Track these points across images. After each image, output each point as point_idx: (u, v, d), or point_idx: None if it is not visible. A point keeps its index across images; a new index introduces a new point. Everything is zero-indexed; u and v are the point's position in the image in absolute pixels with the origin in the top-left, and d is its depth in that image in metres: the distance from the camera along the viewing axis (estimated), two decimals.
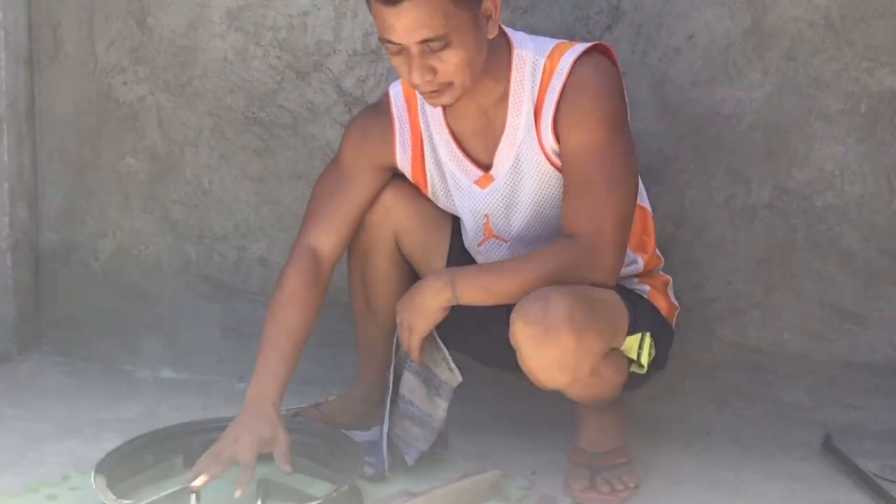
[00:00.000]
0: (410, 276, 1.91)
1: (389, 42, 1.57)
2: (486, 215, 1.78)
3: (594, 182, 1.64)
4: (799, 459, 1.93)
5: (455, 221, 1.88)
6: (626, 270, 1.79)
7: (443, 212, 1.87)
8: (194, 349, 2.36)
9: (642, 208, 1.81)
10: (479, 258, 1.85)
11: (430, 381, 1.79)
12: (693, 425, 2.06)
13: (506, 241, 1.79)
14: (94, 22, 2.31)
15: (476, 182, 1.76)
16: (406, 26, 1.54)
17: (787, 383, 2.08)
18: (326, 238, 1.81)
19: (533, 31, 2.03)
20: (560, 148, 1.68)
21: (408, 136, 1.79)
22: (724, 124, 2.04)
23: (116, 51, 2.31)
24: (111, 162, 2.36)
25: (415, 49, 1.56)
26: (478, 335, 1.79)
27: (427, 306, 1.69)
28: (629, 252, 1.78)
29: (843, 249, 2.03)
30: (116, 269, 2.39)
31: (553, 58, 1.67)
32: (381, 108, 1.81)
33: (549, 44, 1.70)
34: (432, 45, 1.55)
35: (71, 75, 2.35)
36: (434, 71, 1.58)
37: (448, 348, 1.79)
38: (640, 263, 1.82)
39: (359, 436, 1.87)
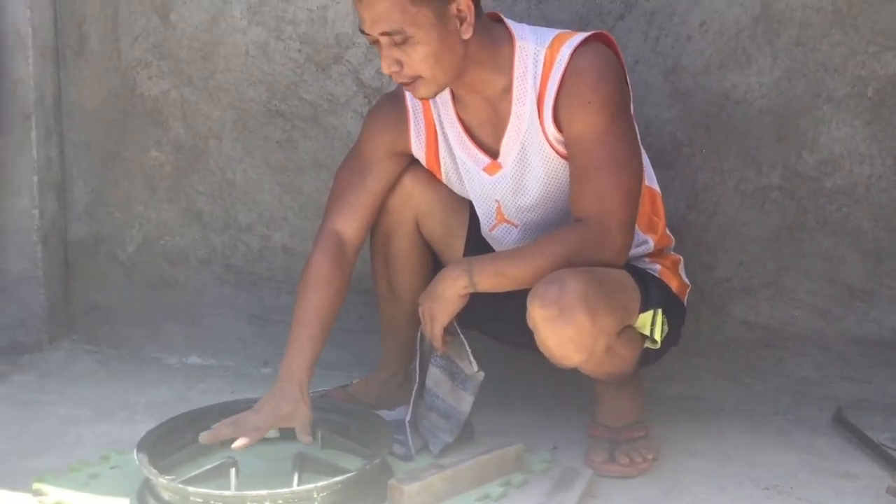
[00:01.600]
0: (431, 258, 1.98)
1: (363, 32, 1.69)
2: (496, 200, 1.85)
3: (598, 166, 1.70)
4: (811, 433, 1.99)
5: (473, 205, 1.95)
6: (636, 251, 1.85)
7: (461, 195, 1.94)
8: (220, 336, 2.42)
9: (651, 189, 1.87)
10: (492, 243, 1.91)
11: (455, 375, 1.85)
12: (707, 402, 2.12)
13: (516, 226, 1.86)
14: (118, 18, 2.37)
15: (485, 169, 1.83)
16: (370, 19, 1.66)
17: (798, 360, 2.14)
18: (349, 223, 1.88)
19: (547, 21, 2.10)
20: (564, 135, 1.74)
21: (421, 124, 1.86)
22: (735, 109, 2.09)
23: (140, 46, 2.37)
24: (136, 155, 2.42)
25: (382, 40, 1.67)
26: (496, 316, 1.85)
27: (446, 295, 1.76)
28: (639, 233, 1.84)
29: (851, 229, 2.08)
30: (144, 259, 2.46)
31: (553, 49, 1.73)
32: (396, 97, 1.89)
33: (550, 35, 1.76)
34: (394, 38, 1.66)
35: (96, 70, 2.41)
36: (400, 63, 1.68)
37: (468, 328, 1.85)
38: (651, 244, 1.88)
39: (385, 415, 1.93)
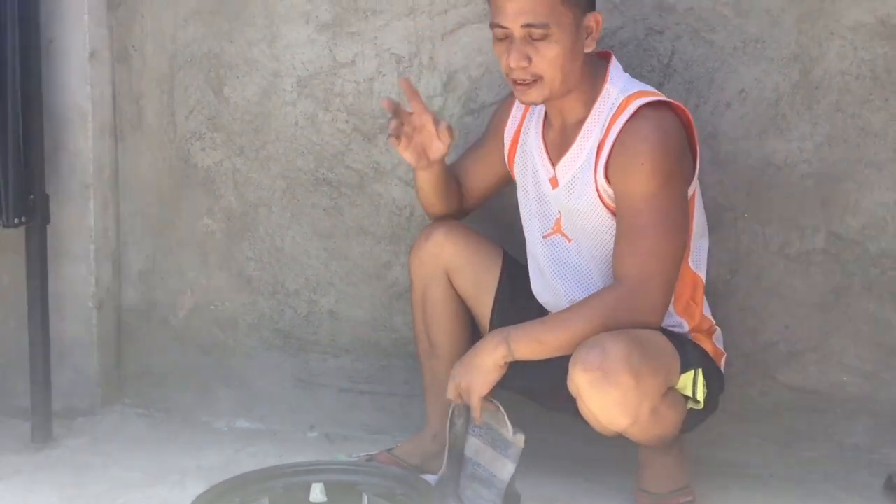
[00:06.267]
0: (467, 312, 2.03)
1: (498, 26, 1.76)
2: (559, 211, 1.89)
3: (645, 227, 1.73)
4: (862, 499, 1.96)
5: (504, 261, 2.00)
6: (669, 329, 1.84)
7: (492, 251, 2.01)
8: (268, 400, 2.45)
9: (695, 275, 1.88)
10: (541, 254, 1.93)
11: (496, 443, 1.85)
12: (756, 468, 2.10)
13: (570, 241, 1.89)
14: (174, 93, 2.46)
15: (549, 180, 1.89)
16: (515, 10, 1.73)
17: (847, 425, 2.11)
18: (457, 168, 2.06)
19: None
20: (613, 189, 1.78)
21: (515, 126, 1.97)
22: (777, 174, 2.11)
23: (195, 119, 2.45)
24: (189, 223, 2.49)
25: (518, 33, 1.74)
26: (532, 378, 1.85)
27: (484, 365, 1.78)
28: (675, 315, 1.85)
29: None
30: (195, 324, 2.51)
31: (628, 99, 1.78)
32: (511, 97, 2.00)
33: (636, 87, 1.82)
34: (533, 33, 1.73)
35: (152, 143, 2.50)
36: (529, 59, 1.74)
37: (503, 389, 1.85)
38: (686, 328, 1.88)
39: (430, 479, 1.94)
